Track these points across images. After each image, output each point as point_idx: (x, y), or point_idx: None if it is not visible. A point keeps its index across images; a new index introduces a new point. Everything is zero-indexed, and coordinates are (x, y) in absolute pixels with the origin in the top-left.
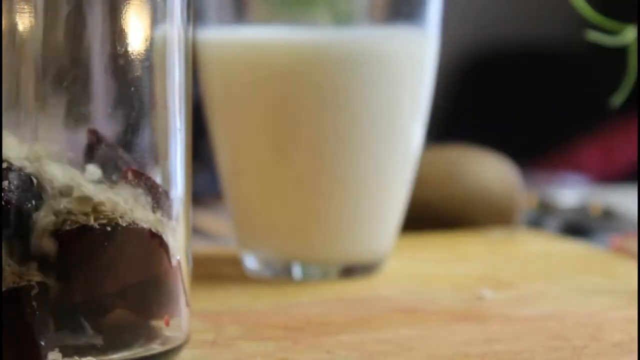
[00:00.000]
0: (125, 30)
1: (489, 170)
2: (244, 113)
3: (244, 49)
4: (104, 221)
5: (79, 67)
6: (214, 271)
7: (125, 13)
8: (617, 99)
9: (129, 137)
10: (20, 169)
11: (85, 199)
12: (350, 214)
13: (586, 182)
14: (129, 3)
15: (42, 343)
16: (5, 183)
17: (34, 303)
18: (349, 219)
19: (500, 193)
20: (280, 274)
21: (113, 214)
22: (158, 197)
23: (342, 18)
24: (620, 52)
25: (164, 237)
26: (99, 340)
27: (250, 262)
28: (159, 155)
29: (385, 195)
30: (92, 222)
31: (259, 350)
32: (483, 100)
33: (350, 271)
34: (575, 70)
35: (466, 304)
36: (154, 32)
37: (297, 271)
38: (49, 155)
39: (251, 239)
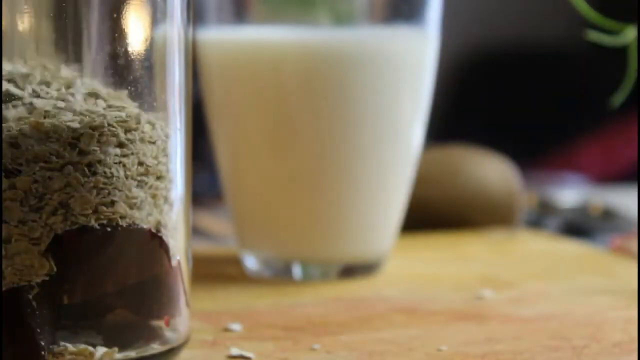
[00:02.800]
0: (125, 30)
1: (489, 170)
2: (244, 113)
3: (244, 49)
4: (104, 221)
5: (79, 67)
6: (214, 271)
7: (125, 13)
8: (617, 99)
9: None
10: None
11: (85, 199)
12: (350, 214)
13: (586, 182)
14: (129, 3)
15: (42, 343)
16: None
17: (34, 303)
18: (349, 219)
19: (500, 193)
20: (280, 274)
21: (113, 214)
22: None
23: (342, 18)
24: (620, 52)
25: (164, 237)
26: (99, 340)
27: (250, 262)
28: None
29: (385, 195)
30: (92, 222)
31: (259, 350)
32: (483, 100)
33: (350, 271)
34: (575, 70)
35: (466, 304)
36: (154, 32)
37: (297, 271)
38: None
39: (251, 239)
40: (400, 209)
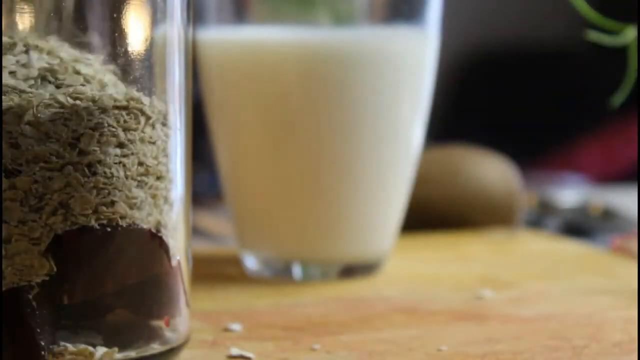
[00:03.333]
0: (125, 30)
1: (489, 170)
2: (244, 113)
3: (244, 49)
4: (104, 221)
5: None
6: (214, 271)
7: (125, 13)
8: (617, 99)
9: None
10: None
11: (85, 199)
12: (350, 214)
13: (586, 182)
14: (129, 3)
15: (42, 343)
16: None
17: (34, 303)
18: (349, 219)
19: (500, 193)
20: (280, 274)
21: (113, 214)
22: None
23: (342, 18)
24: (620, 52)
25: (164, 237)
26: (99, 340)
27: (250, 262)
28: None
29: (385, 195)
30: (92, 222)
31: (259, 350)
32: (483, 100)
33: (350, 271)
34: (575, 70)
35: (466, 304)
36: (154, 32)
37: (297, 271)
38: None
39: (251, 239)
40: (400, 209)
